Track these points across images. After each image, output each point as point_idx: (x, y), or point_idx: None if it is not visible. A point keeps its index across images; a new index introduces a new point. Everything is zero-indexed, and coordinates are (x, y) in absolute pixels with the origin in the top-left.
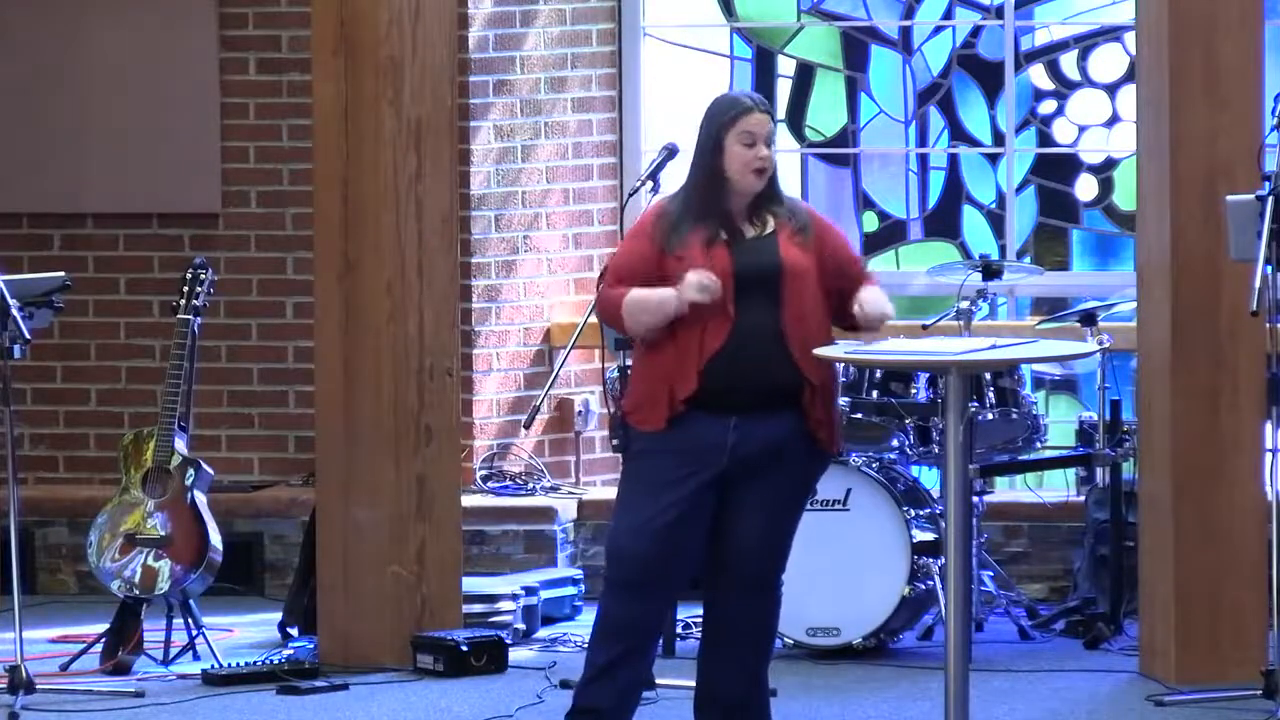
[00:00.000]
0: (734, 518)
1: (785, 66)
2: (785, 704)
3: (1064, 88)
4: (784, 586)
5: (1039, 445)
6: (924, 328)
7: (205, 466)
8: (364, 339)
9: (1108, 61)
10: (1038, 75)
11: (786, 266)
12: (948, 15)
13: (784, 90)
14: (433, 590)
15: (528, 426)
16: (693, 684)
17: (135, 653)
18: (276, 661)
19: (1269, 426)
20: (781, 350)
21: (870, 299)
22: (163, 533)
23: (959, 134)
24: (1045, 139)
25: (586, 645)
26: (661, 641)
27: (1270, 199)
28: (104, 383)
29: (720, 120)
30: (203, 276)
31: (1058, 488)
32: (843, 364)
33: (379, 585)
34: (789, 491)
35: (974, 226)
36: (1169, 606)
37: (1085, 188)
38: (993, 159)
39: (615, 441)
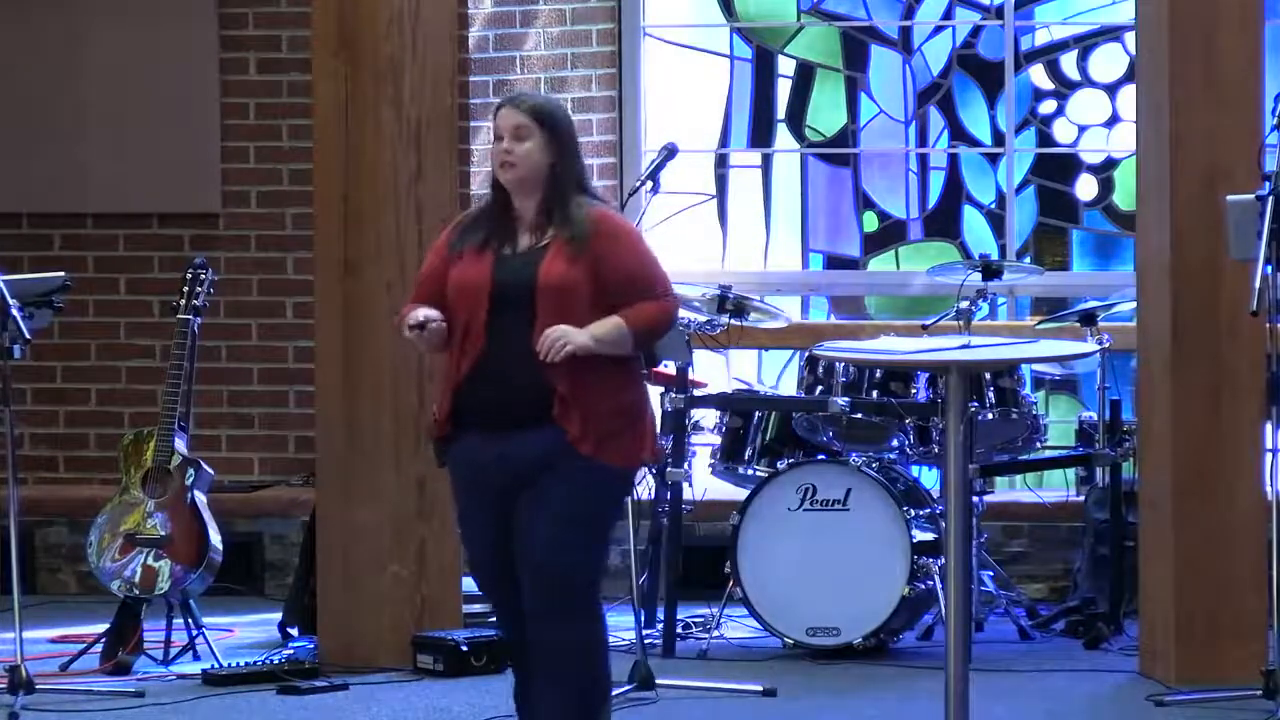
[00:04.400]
0: (519, 531)
1: (785, 66)
2: (785, 704)
3: (1064, 88)
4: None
5: (1039, 445)
6: (924, 328)
7: (205, 466)
8: (364, 339)
9: (1108, 61)
10: (1038, 75)
11: (542, 284)
12: (948, 15)
13: (784, 90)
14: (433, 590)
15: None
16: (693, 684)
17: (135, 653)
18: (276, 661)
19: (1269, 426)
20: (531, 368)
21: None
22: (163, 533)
23: (959, 134)
24: (1045, 139)
25: None
26: (661, 641)
27: (1270, 199)
28: (104, 383)
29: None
30: (203, 276)
31: (1058, 488)
32: (842, 364)
33: (379, 585)
34: (564, 503)
35: (974, 226)
36: (1169, 606)
37: (1085, 188)
38: (993, 159)
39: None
